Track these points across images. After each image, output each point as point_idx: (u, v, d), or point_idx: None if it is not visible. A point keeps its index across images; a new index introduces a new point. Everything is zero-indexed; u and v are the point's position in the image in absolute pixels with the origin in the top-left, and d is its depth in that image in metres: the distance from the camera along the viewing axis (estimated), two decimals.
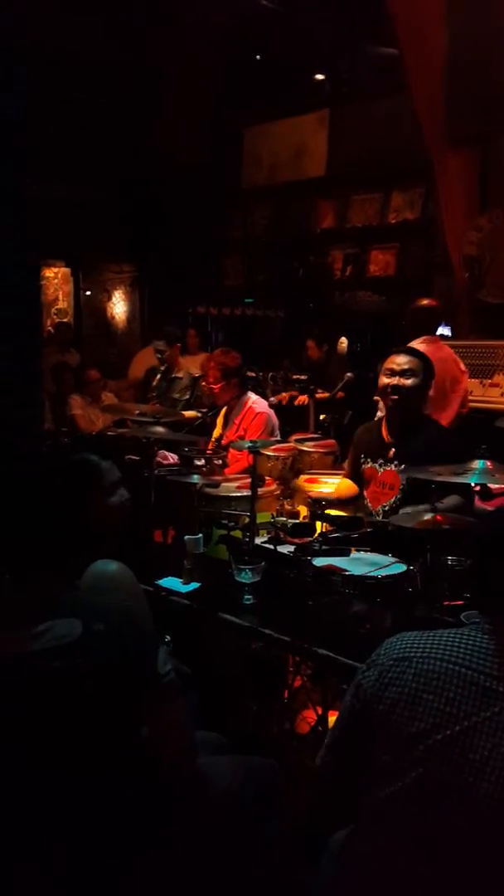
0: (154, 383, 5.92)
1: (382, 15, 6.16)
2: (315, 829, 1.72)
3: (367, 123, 7.31)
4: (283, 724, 3.10)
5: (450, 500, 2.81)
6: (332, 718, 2.94)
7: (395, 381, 3.10)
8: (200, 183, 8.32)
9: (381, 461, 3.16)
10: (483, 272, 5.86)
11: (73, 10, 6.14)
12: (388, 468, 3.12)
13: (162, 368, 6.03)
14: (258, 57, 7.77)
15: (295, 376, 6.43)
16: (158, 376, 5.97)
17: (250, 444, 2.90)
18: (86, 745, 1.51)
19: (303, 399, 5.95)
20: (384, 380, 3.13)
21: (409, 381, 3.09)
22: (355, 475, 3.29)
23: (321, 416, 5.84)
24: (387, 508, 3.05)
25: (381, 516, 3.03)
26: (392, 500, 3.06)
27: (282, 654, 2.95)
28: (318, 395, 5.38)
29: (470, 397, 4.78)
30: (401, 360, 3.13)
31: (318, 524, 2.78)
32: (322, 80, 7.87)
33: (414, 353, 3.22)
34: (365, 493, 3.17)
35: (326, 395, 5.40)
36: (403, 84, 6.28)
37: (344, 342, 6.39)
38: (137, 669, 1.55)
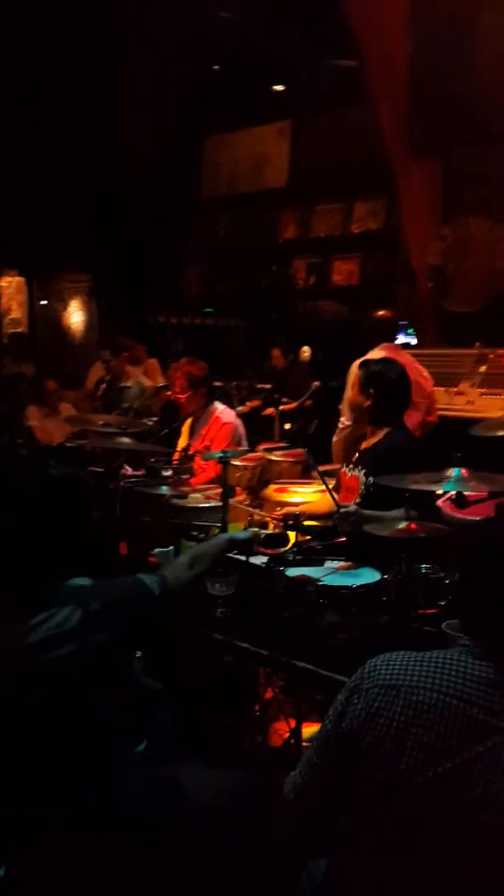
0: (99, 393, 5.87)
1: (344, 27, 6.21)
2: (289, 854, 1.67)
3: (329, 134, 7.36)
4: (256, 737, 3.05)
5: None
6: (306, 730, 2.91)
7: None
8: (160, 192, 8.29)
9: (350, 466, 3.19)
10: (447, 281, 5.89)
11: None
12: (354, 473, 3.12)
13: (107, 378, 5.98)
14: (216, 67, 7.79)
15: (259, 385, 6.41)
16: (104, 386, 5.92)
17: (221, 454, 2.84)
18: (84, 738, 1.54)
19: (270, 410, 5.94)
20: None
21: (349, 392, 3.12)
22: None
23: (286, 425, 5.82)
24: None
25: None
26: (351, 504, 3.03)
27: (253, 667, 2.91)
28: (283, 405, 5.37)
29: (436, 406, 4.80)
30: (350, 373, 3.19)
31: (292, 534, 2.73)
32: (282, 90, 7.90)
33: (362, 364, 3.25)
34: (339, 497, 3.14)
35: (294, 404, 5.38)
36: (366, 95, 6.33)
37: (306, 351, 6.41)
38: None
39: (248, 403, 6.26)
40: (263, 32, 6.72)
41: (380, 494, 2.60)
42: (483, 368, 5.37)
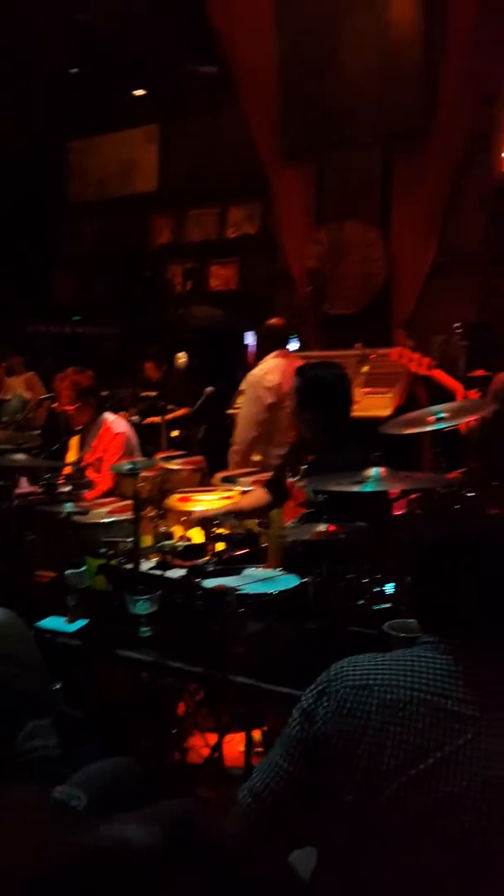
0: None
1: (209, 32, 6.21)
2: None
3: (198, 139, 7.34)
4: (175, 755, 2.95)
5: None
6: (227, 745, 2.85)
7: None
8: (25, 197, 7.99)
9: (297, 478, 3.01)
10: (325, 285, 5.99)
11: None
12: (301, 485, 2.99)
13: None
14: (74, 70, 7.60)
15: (144, 394, 6.29)
16: None
17: (131, 466, 2.73)
18: None
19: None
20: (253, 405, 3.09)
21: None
22: (277, 483, 3.15)
23: (173, 433, 5.74)
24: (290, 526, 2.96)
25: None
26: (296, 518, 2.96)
27: (171, 683, 2.82)
28: (169, 413, 5.30)
29: None
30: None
31: (216, 545, 2.66)
32: (144, 95, 7.82)
33: (298, 372, 3.08)
34: (286, 505, 3.06)
35: (181, 411, 5.31)
36: (234, 100, 6.35)
37: (182, 357, 6.35)
38: None
39: (131, 412, 6.12)
40: (127, 36, 6.61)
41: (333, 510, 2.51)
42: (366, 369, 5.50)
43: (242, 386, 4.75)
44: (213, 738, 2.89)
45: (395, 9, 5.48)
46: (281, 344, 4.86)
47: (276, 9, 5.90)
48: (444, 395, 3.58)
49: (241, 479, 3.43)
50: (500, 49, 5.28)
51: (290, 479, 3.09)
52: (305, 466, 2.95)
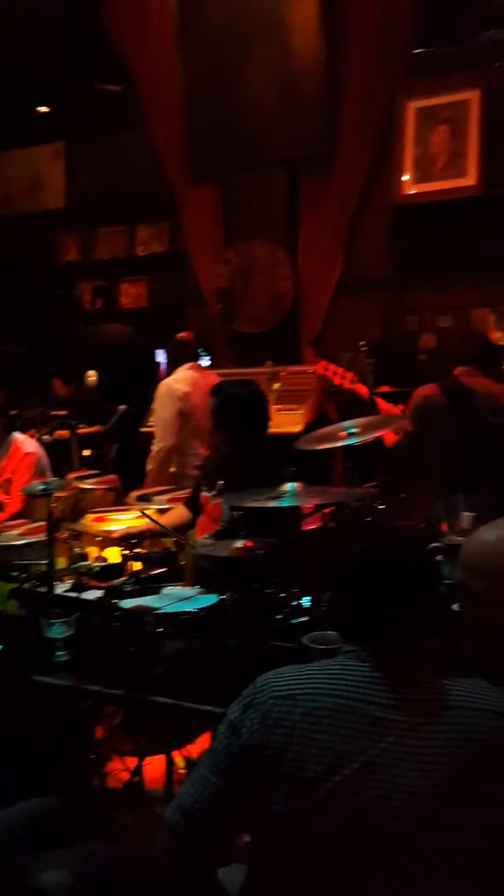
0: None
1: (111, 52, 6.21)
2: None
3: (105, 157, 7.32)
4: (94, 780, 2.90)
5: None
6: (147, 767, 2.82)
7: None
8: None
9: (213, 493, 3.02)
10: (235, 304, 6.05)
11: None
12: (217, 501, 3.00)
13: None
14: None
15: (54, 412, 6.17)
16: None
17: (44, 487, 2.68)
18: None
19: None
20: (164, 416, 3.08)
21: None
22: (193, 500, 3.17)
23: (85, 452, 5.66)
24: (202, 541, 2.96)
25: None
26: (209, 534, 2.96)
27: (89, 707, 2.77)
28: (81, 430, 5.23)
29: None
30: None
31: (132, 564, 2.63)
32: (48, 112, 7.74)
33: (215, 390, 3.10)
34: (199, 519, 3.05)
35: (94, 429, 5.25)
36: (142, 119, 6.36)
37: (92, 375, 6.30)
38: None
39: (42, 430, 5.99)
40: (31, 54, 6.53)
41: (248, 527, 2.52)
42: (276, 386, 5.58)
43: (155, 401, 4.74)
44: (132, 762, 2.85)
45: (297, 36, 5.62)
46: (191, 357, 4.88)
47: (178, 33, 5.95)
48: (354, 411, 3.67)
49: (157, 498, 3.41)
50: (399, 75, 5.51)
51: (204, 495, 3.10)
52: (222, 482, 2.96)
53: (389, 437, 3.59)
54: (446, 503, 2.57)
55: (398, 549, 1.46)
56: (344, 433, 2.69)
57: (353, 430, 2.68)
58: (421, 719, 1.28)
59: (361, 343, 4.04)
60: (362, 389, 3.86)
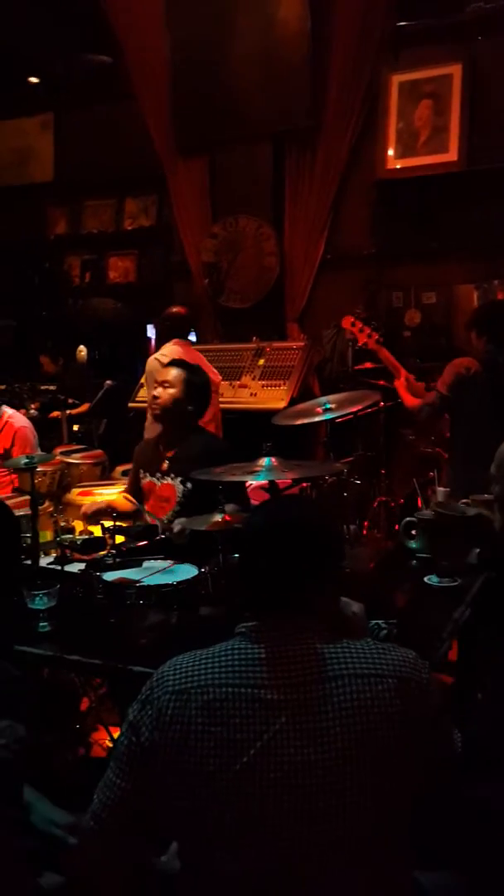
0: None
1: (101, 22, 6.15)
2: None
3: (93, 129, 7.26)
4: (79, 750, 2.98)
5: (229, 508, 2.85)
6: None
7: (156, 391, 3.14)
8: None
9: (159, 474, 3.15)
10: (221, 279, 6.06)
11: None
12: (166, 481, 3.12)
13: None
14: None
15: (43, 387, 6.21)
16: None
17: (27, 460, 2.74)
18: None
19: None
20: (150, 391, 3.14)
21: (167, 393, 3.13)
22: (135, 490, 3.26)
23: (74, 427, 5.71)
24: (165, 521, 3.05)
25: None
26: (168, 513, 3.05)
27: (72, 678, 2.84)
28: (71, 407, 5.27)
29: (221, 399, 4.95)
30: (164, 372, 3.17)
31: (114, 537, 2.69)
32: (36, 83, 7.65)
33: (178, 364, 3.24)
34: (146, 506, 3.14)
35: (85, 406, 5.29)
36: (129, 91, 6.32)
37: (83, 350, 6.31)
38: None
39: (32, 406, 6.05)
40: (17, 23, 6.45)
41: (200, 498, 2.61)
42: (261, 362, 5.63)
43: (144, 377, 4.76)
44: (117, 732, 2.93)
45: (283, 7, 5.58)
46: (181, 333, 4.86)
47: (167, 4, 5.91)
48: (338, 387, 3.72)
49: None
50: (384, 48, 5.48)
51: (149, 480, 3.19)
52: (166, 462, 3.11)
53: (409, 399, 3.68)
54: (466, 474, 2.61)
55: (284, 516, 1.49)
56: (320, 409, 2.74)
57: (329, 406, 2.74)
58: (309, 695, 1.29)
59: (357, 310, 4.04)
60: (385, 353, 3.90)
